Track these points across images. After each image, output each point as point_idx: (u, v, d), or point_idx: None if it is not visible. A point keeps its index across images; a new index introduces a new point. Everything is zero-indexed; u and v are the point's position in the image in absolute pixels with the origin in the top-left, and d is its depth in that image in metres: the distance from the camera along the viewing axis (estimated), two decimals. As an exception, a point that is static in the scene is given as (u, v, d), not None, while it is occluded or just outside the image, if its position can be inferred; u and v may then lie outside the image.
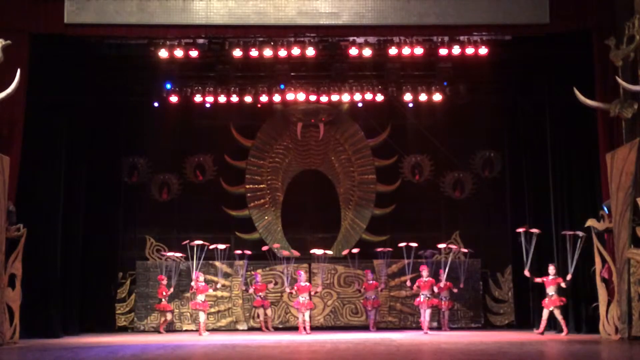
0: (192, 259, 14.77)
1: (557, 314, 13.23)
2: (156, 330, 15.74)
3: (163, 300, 15.47)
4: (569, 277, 13.31)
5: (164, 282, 15.50)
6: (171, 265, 15.93)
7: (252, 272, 16.11)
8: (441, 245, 15.62)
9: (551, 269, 13.43)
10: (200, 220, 16.98)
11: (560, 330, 13.20)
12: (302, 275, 14.72)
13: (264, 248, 15.91)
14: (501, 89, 16.52)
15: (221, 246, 15.39)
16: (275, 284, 16.11)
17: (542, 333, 13.29)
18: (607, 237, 12.24)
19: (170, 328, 16.04)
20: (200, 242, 15.09)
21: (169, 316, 15.64)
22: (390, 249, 15.81)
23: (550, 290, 13.34)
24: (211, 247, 15.33)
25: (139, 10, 12.85)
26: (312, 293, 15.01)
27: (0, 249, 11.35)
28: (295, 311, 16.14)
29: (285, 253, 15.64)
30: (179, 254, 15.54)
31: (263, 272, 16.12)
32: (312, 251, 15.63)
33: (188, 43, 13.77)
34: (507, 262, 16.81)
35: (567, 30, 13.03)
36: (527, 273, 13.83)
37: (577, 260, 13.09)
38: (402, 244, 15.17)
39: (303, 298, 14.41)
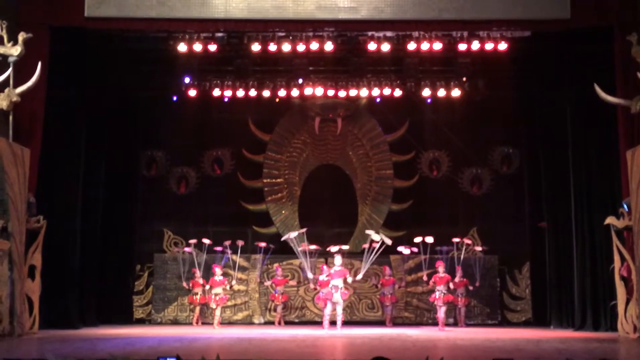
0: (204, 253, 15.01)
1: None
2: (187, 323, 15.84)
3: (199, 293, 15.41)
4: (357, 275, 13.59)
5: (198, 274, 15.48)
6: (190, 258, 15.99)
7: (270, 266, 16.19)
8: (456, 240, 15.51)
9: (337, 259, 13.54)
10: (218, 214, 17.03)
11: None
12: (325, 269, 14.63)
13: (284, 238, 15.91)
14: (520, 84, 16.38)
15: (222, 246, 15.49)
16: (299, 282, 16.15)
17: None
18: (626, 235, 12.13)
19: (188, 320, 16.13)
20: (207, 240, 15.23)
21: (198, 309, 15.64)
22: (415, 249, 15.56)
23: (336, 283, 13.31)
24: (226, 244, 15.47)
25: (158, 4, 12.88)
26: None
27: (20, 240, 11.48)
28: (311, 305, 16.20)
29: (305, 247, 15.61)
30: (189, 247, 15.64)
31: (281, 266, 16.12)
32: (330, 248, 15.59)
33: (207, 37, 13.79)
34: (525, 258, 16.74)
35: (588, 25, 12.89)
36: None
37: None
38: (418, 239, 15.12)
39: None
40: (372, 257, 13.59)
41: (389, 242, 13.93)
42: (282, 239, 15.18)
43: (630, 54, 11.88)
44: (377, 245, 13.64)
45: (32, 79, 11.81)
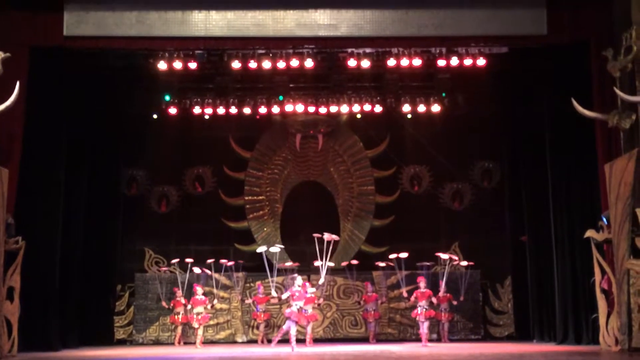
0: (187, 272, 14.86)
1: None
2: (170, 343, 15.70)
3: (181, 312, 15.31)
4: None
5: (179, 293, 15.39)
6: (170, 278, 15.90)
7: (252, 284, 16.11)
8: (444, 255, 15.46)
9: (298, 280, 13.21)
10: (199, 232, 16.96)
11: None
12: (307, 286, 14.52)
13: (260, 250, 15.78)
14: (499, 100, 16.53)
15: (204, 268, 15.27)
16: (279, 300, 16.04)
17: None
18: (606, 248, 12.21)
19: (170, 340, 15.99)
20: (190, 260, 15.14)
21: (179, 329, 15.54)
22: (392, 264, 15.59)
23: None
24: (208, 261, 15.35)
25: (138, 23, 12.86)
26: (316, 304, 14.85)
27: (-2, 262, 11.32)
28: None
29: (283, 265, 15.57)
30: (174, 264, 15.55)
31: (263, 284, 16.02)
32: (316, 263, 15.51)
33: (187, 55, 13.82)
34: (507, 273, 16.81)
35: (565, 41, 13.05)
36: None
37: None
38: (393, 256, 15.12)
39: (308, 309, 14.16)
40: (326, 260, 13.24)
41: (335, 237, 13.53)
42: (259, 250, 14.88)
43: (607, 68, 12.03)
44: (328, 241, 13.26)
45: (10, 99, 11.69)
